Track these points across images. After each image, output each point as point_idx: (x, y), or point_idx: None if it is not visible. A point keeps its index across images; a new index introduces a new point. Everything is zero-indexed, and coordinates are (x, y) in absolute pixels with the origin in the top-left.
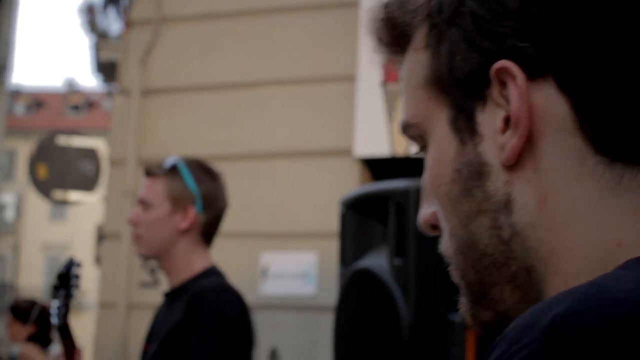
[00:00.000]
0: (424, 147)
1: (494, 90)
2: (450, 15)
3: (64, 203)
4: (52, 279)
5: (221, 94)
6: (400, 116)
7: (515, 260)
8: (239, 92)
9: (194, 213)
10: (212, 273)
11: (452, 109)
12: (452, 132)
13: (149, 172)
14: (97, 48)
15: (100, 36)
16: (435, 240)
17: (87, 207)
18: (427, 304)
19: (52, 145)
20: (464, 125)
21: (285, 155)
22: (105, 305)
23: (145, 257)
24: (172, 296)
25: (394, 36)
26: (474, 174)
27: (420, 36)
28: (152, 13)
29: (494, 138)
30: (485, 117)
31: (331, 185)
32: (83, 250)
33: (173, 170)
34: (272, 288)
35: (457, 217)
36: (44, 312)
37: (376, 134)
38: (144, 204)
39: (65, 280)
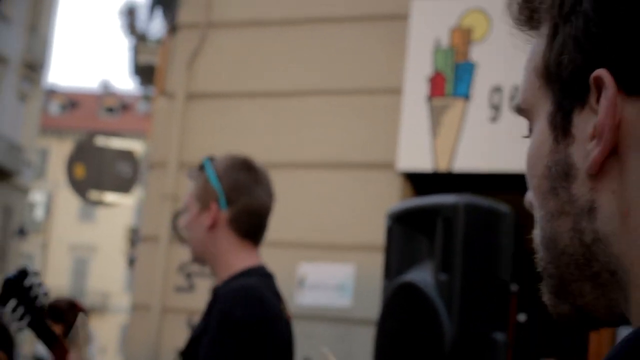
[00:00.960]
0: (531, 130)
1: (592, 96)
2: (568, 11)
3: (99, 204)
4: (78, 280)
5: (266, 101)
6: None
7: (597, 262)
8: (283, 100)
9: (216, 209)
10: (252, 273)
11: (553, 104)
12: (549, 127)
13: (189, 177)
14: (136, 51)
15: (139, 39)
16: (481, 257)
17: (117, 209)
18: (470, 320)
19: (90, 145)
20: (560, 123)
21: (328, 166)
22: (139, 308)
23: (195, 260)
24: (215, 295)
25: (525, 16)
26: (561, 174)
27: (545, 24)
28: (200, 17)
29: (584, 143)
30: (581, 120)
31: (372, 198)
32: (111, 252)
33: (201, 169)
34: (308, 298)
35: (544, 211)
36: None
37: (420, 148)
38: (184, 208)
39: (16, 290)
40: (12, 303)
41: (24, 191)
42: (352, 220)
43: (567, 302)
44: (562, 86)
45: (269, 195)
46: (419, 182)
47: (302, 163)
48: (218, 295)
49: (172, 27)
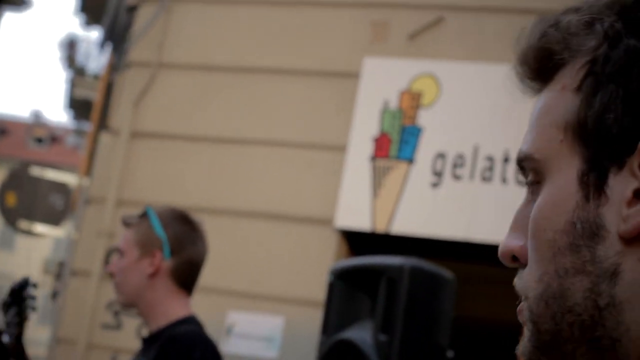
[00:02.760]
0: (534, 182)
1: (635, 160)
2: (617, 70)
3: (28, 233)
4: None
5: (209, 146)
6: (521, 145)
7: (603, 328)
8: (228, 147)
9: (160, 258)
10: (190, 322)
11: (586, 162)
12: (578, 184)
13: (125, 222)
14: (73, 84)
15: (77, 72)
16: (422, 320)
17: (37, 241)
18: None
19: (24, 174)
20: (594, 182)
21: (266, 216)
22: (63, 342)
23: (124, 305)
24: (148, 342)
25: (543, 66)
26: (588, 233)
27: (573, 77)
28: (151, 57)
29: (619, 206)
30: (617, 181)
31: (308, 253)
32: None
33: (143, 217)
34: (235, 347)
35: (553, 266)
36: None
37: (359, 207)
38: (119, 252)
39: (18, 299)
40: (12, 312)
41: None
42: (286, 272)
43: (550, 359)
44: (601, 145)
45: (205, 247)
46: (355, 240)
47: (241, 211)
48: (173, 340)
49: (120, 64)
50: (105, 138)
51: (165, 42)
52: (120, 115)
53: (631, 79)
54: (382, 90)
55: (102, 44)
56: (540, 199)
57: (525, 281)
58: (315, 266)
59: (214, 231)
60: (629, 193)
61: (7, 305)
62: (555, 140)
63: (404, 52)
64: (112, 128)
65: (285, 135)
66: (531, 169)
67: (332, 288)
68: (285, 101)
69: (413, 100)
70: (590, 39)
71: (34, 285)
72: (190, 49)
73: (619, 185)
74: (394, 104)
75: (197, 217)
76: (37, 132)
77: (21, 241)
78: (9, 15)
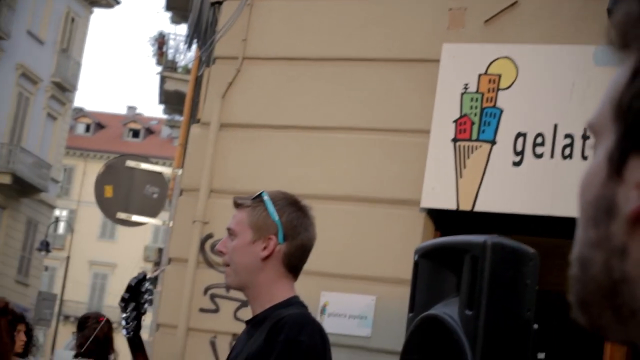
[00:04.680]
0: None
1: None
2: None
3: (127, 224)
4: (96, 296)
5: (296, 134)
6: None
7: (621, 298)
8: (314, 134)
9: (275, 243)
10: (294, 303)
11: (614, 141)
12: (606, 161)
13: (237, 204)
14: (164, 78)
15: (168, 67)
16: (506, 295)
17: (137, 230)
18: (493, 356)
19: (120, 167)
20: (616, 162)
21: (354, 200)
22: (164, 327)
23: (233, 287)
24: (253, 324)
25: (619, 44)
26: (604, 210)
27: (633, 58)
28: (236, 51)
29: (631, 188)
30: (635, 164)
31: (396, 233)
32: (129, 271)
33: (257, 200)
34: (329, 326)
35: (584, 234)
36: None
37: (444, 188)
38: (231, 233)
39: (135, 294)
40: (130, 307)
41: (50, 207)
42: (376, 253)
43: (586, 317)
44: (629, 127)
45: (315, 233)
46: (441, 220)
47: (329, 196)
48: (281, 323)
49: (207, 59)
50: (195, 130)
51: (249, 36)
52: (209, 108)
53: None
54: (461, 75)
55: (188, 40)
56: (587, 167)
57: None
58: (403, 246)
59: None
60: (638, 177)
61: (126, 301)
62: (606, 115)
63: (481, 37)
64: (201, 120)
65: (369, 121)
66: (594, 136)
67: (417, 267)
68: (369, 88)
69: (492, 83)
70: None
71: (150, 280)
72: (273, 41)
73: (636, 168)
74: (473, 87)
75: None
76: (133, 125)
77: (122, 231)
78: (99, 13)
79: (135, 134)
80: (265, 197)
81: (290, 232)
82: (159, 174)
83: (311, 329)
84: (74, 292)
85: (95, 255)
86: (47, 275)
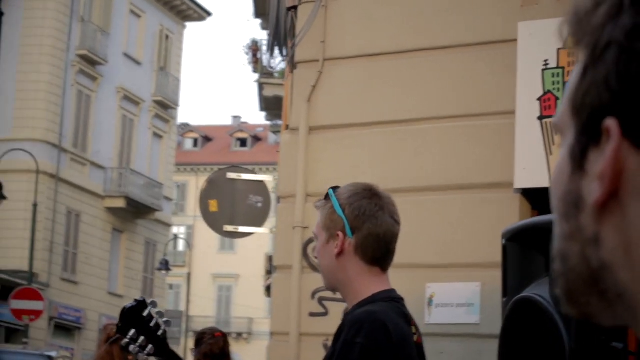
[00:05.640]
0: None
1: (604, 140)
2: (598, 55)
3: (234, 236)
4: (223, 309)
5: (383, 129)
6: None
7: (604, 284)
8: (400, 128)
9: (343, 238)
10: (378, 299)
11: (574, 136)
12: (569, 157)
13: (316, 207)
14: (262, 85)
15: (264, 74)
16: None
17: (255, 238)
18: (588, 332)
19: (222, 180)
20: (578, 156)
21: (447, 188)
22: (277, 334)
23: (327, 288)
24: (342, 321)
25: (572, 40)
26: (573, 204)
27: (583, 55)
28: (316, 53)
29: (592, 180)
30: (594, 157)
31: (492, 217)
32: (252, 281)
33: (326, 199)
34: (437, 317)
35: (559, 229)
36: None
37: (535, 166)
38: (314, 237)
39: (132, 320)
40: (132, 333)
41: (166, 226)
42: (475, 239)
43: (575, 308)
44: (583, 123)
45: (393, 220)
46: (536, 199)
47: (423, 187)
48: (344, 323)
49: (292, 63)
50: (285, 136)
51: (327, 37)
52: (296, 113)
53: (602, 65)
54: (540, 52)
55: (270, 46)
56: (555, 165)
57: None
58: (501, 229)
59: (401, 210)
60: (599, 169)
61: (120, 329)
62: (566, 112)
63: (555, 11)
64: (290, 126)
65: (453, 109)
66: (559, 136)
67: (505, 250)
68: (449, 76)
69: (571, 56)
70: (596, 19)
71: (153, 304)
72: (350, 40)
73: (594, 160)
74: (553, 62)
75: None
76: (239, 134)
77: (241, 241)
78: (192, 27)
79: (243, 143)
80: (331, 194)
81: (356, 223)
82: (261, 182)
83: (371, 329)
84: (200, 307)
85: (217, 269)
86: (172, 294)
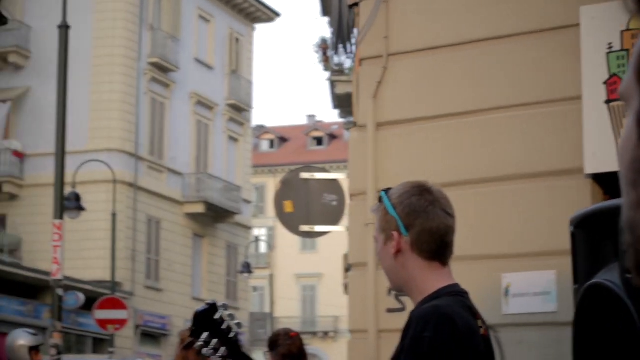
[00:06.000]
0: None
1: None
2: None
3: (311, 236)
4: (308, 308)
5: (449, 122)
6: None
7: None
8: (467, 119)
9: (398, 237)
10: (442, 294)
11: (638, 103)
12: (634, 123)
13: (372, 211)
14: (333, 83)
15: (335, 71)
16: None
17: (337, 236)
18: None
19: (296, 180)
20: None
21: (518, 177)
22: (356, 332)
23: (393, 289)
24: (408, 319)
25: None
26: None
27: None
28: (380, 49)
29: None
30: None
31: (564, 204)
32: (335, 279)
33: (380, 201)
34: (514, 307)
35: (627, 198)
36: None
37: (604, 150)
38: (375, 241)
39: (204, 323)
40: (204, 336)
41: (246, 228)
42: (548, 227)
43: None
44: None
45: (446, 214)
46: (607, 183)
47: (492, 178)
48: (411, 319)
49: (353, 61)
50: (353, 133)
51: (389, 33)
52: (363, 110)
53: None
54: (603, 35)
55: (334, 44)
56: (622, 133)
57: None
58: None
59: (469, 201)
60: None
61: (194, 332)
62: (631, 80)
63: None
64: (357, 123)
65: (519, 97)
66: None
67: (574, 237)
68: (513, 65)
69: (635, 37)
70: None
71: (224, 307)
72: (413, 34)
73: None
74: (617, 45)
75: (450, 191)
76: (315, 133)
77: (322, 240)
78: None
79: (319, 141)
80: (383, 195)
81: (408, 221)
82: (335, 181)
83: (438, 322)
84: (285, 308)
85: (299, 269)
86: (256, 296)
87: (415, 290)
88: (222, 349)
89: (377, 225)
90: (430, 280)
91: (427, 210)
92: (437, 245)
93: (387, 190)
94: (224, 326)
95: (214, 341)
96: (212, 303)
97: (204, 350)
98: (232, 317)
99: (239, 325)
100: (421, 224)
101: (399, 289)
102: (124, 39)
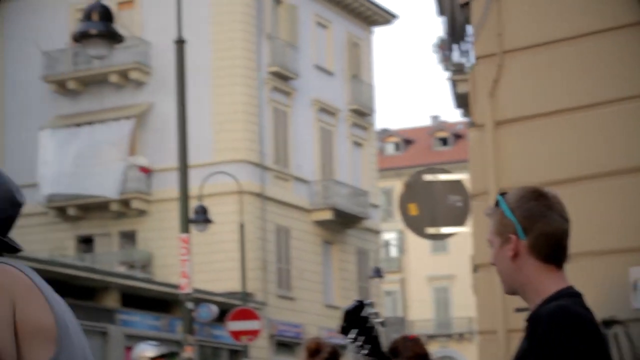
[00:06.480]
0: None
1: None
2: None
3: (437, 238)
4: (441, 310)
5: (568, 117)
6: None
7: None
8: (585, 113)
9: (516, 240)
10: (563, 295)
11: None
12: None
13: (486, 214)
14: (454, 82)
15: (454, 71)
16: None
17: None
18: None
19: (419, 183)
20: None
21: (637, 170)
22: (485, 333)
23: (507, 293)
24: (528, 322)
25: None
26: None
27: None
28: (494, 47)
29: None
30: None
31: None
32: (467, 280)
33: (496, 205)
34: None
35: None
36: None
37: None
38: (490, 245)
39: (354, 320)
40: (353, 333)
41: (375, 233)
42: None
43: None
44: None
45: (562, 218)
46: None
47: (615, 171)
48: (534, 321)
49: (468, 59)
50: (472, 133)
51: (503, 29)
52: (480, 109)
53: None
54: None
55: (448, 44)
56: None
57: None
58: None
59: (595, 196)
60: None
61: (344, 328)
62: None
63: None
64: (475, 122)
65: (635, 87)
66: None
67: None
68: (629, 56)
69: None
70: None
71: (370, 304)
72: (527, 29)
73: None
74: None
75: (572, 186)
76: (440, 134)
77: (453, 241)
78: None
79: (445, 142)
80: (500, 199)
81: (526, 224)
82: (458, 181)
83: (568, 323)
84: (418, 311)
85: (431, 271)
86: (389, 300)
87: (532, 293)
88: (367, 347)
89: (493, 229)
90: (547, 282)
91: (545, 214)
92: (554, 249)
93: (502, 195)
94: (369, 324)
95: (361, 338)
96: (360, 300)
97: (351, 347)
98: (376, 315)
99: (382, 324)
100: (539, 227)
101: (513, 292)
102: (242, 50)
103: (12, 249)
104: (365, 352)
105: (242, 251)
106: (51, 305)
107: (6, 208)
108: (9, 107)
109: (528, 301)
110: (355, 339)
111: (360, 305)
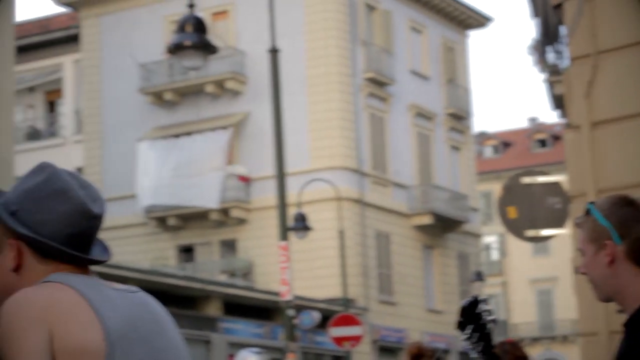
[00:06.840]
0: None
1: None
2: None
3: (536, 240)
4: (545, 313)
5: None
6: None
7: None
8: None
9: (612, 246)
10: None
11: None
12: None
13: (576, 224)
14: (550, 84)
15: (550, 72)
16: None
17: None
18: None
19: (517, 186)
20: None
21: None
22: (586, 335)
23: (601, 300)
24: (627, 327)
25: None
26: None
27: None
28: (589, 48)
29: None
30: None
31: None
32: (570, 282)
33: (587, 214)
34: None
35: None
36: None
37: None
38: (581, 253)
39: (469, 316)
40: (469, 329)
41: (476, 236)
42: None
43: None
44: None
45: None
46: None
47: None
48: (633, 324)
49: (561, 61)
50: (568, 135)
51: (597, 30)
52: (576, 110)
53: None
54: None
55: (541, 46)
56: None
57: None
58: None
59: None
60: None
61: (461, 324)
62: None
63: None
64: (571, 124)
65: None
66: None
67: None
68: None
69: None
70: None
71: (484, 301)
72: (621, 29)
73: None
74: None
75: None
76: (538, 136)
77: (554, 243)
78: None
79: (543, 143)
80: (591, 207)
81: (623, 230)
82: (556, 183)
83: None
84: (521, 314)
85: (533, 273)
86: (492, 303)
87: (630, 298)
88: (480, 344)
89: (585, 237)
90: None
91: (639, 219)
92: None
93: (592, 203)
94: (482, 321)
95: (475, 335)
96: (475, 296)
97: (466, 344)
98: (489, 312)
99: (494, 321)
100: (636, 232)
101: (607, 299)
102: (337, 57)
103: (90, 262)
104: (479, 349)
105: (342, 257)
106: (101, 318)
107: (79, 221)
108: (107, 119)
109: (625, 306)
110: (470, 336)
111: (475, 302)
